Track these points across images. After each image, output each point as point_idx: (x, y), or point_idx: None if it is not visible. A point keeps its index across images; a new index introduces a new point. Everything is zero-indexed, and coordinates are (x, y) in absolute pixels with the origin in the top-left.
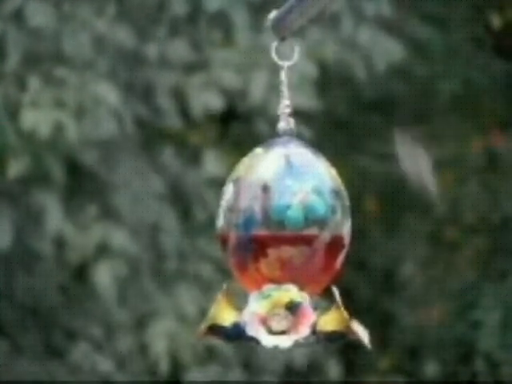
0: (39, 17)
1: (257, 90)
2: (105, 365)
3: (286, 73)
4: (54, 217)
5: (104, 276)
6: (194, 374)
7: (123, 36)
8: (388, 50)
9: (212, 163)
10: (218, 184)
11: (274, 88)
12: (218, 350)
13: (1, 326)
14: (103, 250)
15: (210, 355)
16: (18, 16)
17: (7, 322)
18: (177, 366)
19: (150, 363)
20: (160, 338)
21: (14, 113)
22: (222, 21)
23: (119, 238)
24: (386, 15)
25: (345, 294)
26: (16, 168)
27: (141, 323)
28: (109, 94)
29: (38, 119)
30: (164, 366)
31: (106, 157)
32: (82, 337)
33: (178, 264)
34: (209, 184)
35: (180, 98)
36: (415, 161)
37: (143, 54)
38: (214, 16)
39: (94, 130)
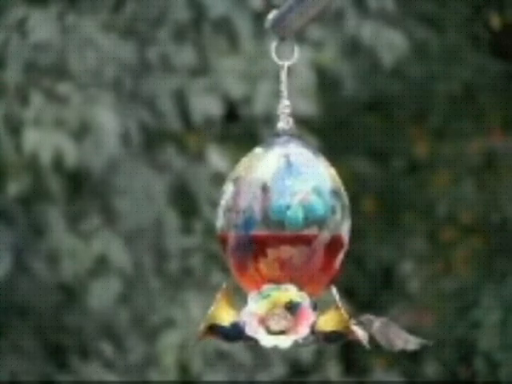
0: (42, 29)
1: (260, 96)
2: (113, 377)
3: (286, 72)
4: (56, 232)
5: (101, 291)
6: (205, 377)
7: (127, 47)
8: (392, 45)
9: (216, 158)
10: (223, 179)
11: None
12: (228, 353)
13: (6, 334)
14: (103, 263)
15: (219, 358)
16: (21, 28)
17: (12, 331)
18: (188, 373)
19: (160, 374)
20: (170, 348)
21: (15, 129)
22: (226, 28)
23: (120, 252)
24: (389, 9)
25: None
26: (16, 186)
27: (150, 334)
28: (110, 114)
29: (39, 141)
30: (174, 376)
31: (108, 161)
32: (91, 352)
33: (185, 268)
34: (214, 179)
35: (182, 103)
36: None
37: (147, 60)
38: (218, 23)
39: (96, 152)
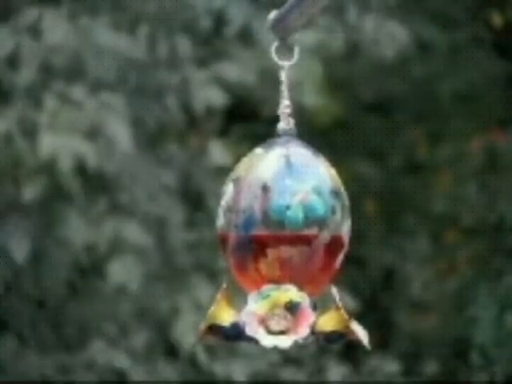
0: (54, 32)
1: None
2: (120, 361)
3: (286, 73)
4: (74, 228)
5: (119, 272)
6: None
7: (134, 44)
8: (394, 37)
9: (219, 153)
10: (226, 173)
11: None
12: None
13: (10, 321)
14: (117, 246)
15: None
16: (33, 30)
17: (17, 317)
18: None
19: (182, 360)
20: (188, 333)
21: (29, 132)
22: (247, 37)
23: (132, 232)
24: (391, 3)
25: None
26: (33, 189)
27: (165, 319)
28: (119, 106)
29: (56, 146)
30: (203, 358)
31: (122, 164)
32: (97, 333)
33: (192, 258)
34: (217, 173)
35: (185, 93)
36: None
37: (153, 54)
38: (238, 30)
39: (108, 154)
